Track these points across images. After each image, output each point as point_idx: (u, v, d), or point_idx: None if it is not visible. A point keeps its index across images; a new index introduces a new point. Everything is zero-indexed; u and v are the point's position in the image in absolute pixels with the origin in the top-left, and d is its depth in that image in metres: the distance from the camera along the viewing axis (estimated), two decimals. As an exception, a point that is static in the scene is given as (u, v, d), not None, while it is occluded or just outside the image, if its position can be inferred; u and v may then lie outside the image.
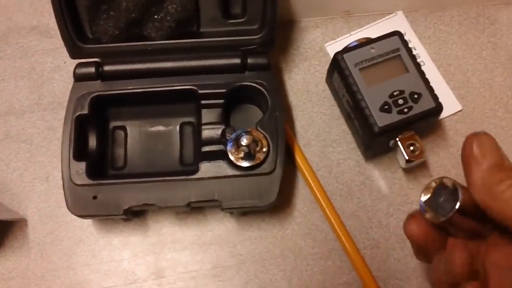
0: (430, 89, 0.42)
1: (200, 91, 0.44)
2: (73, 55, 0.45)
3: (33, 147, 0.48)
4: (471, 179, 0.30)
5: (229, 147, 0.42)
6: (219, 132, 0.44)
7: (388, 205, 0.46)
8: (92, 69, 0.45)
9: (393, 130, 0.42)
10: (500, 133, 0.48)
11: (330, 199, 0.45)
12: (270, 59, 0.45)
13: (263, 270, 0.44)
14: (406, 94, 0.42)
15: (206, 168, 0.42)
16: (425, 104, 0.42)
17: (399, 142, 0.43)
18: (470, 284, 0.31)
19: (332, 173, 0.47)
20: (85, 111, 0.44)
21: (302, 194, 0.46)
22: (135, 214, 0.45)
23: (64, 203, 0.42)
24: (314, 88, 0.50)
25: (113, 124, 0.47)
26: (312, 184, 0.45)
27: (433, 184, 0.32)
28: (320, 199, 0.45)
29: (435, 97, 0.42)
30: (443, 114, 0.45)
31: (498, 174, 0.29)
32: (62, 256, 0.45)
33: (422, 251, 0.35)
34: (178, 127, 0.47)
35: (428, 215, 0.32)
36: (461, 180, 0.32)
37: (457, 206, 0.30)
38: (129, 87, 0.45)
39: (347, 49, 0.44)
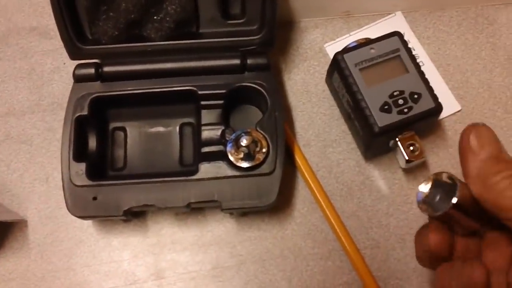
0: (430, 89, 0.43)
1: (199, 92, 0.44)
2: (72, 56, 0.45)
3: (33, 148, 0.48)
4: (467, 169, 0.30)
5: (228, 147, 0.42)
6: (218, 132, 0.44)
7: (388, 205, 0.46)
8: (91, 70, 0.45)
9: (393, 130, 0.42)
10: (499, 133, 0.47)
11: (330, 199, 0.45)
12: (269, 60, 0.45)
13: (263, 271, 0.44)
14: (406, 94, 0.42)
15: (206, 169, 0.42)
16: (425, 104, 0.42)
17: (399, 142, 0.43)
18: None
19: (332, 173, 0.47)
20: (85, 112, 0.44)
21: (302, 194, 0.46)
22: (135, 215, 0.45)
23: (64, 204, 0.42)
24: (314, 88, 0.50)
25: (112, 125, 0.47)
26: (312, 185, 0.45)
27: (432, 178, 0.33)
28: (320, 199, 0.45)
29: (435, 97, 0.42)
30: (443, 114, 0.45)
31: (495, 166, 0.29)
32: (62, 257, 0.45)
33: (434, 260, 0.34)
34: (177, 128, 0.47)
35: (425, 209, 0.32)
36: (461, 178, 0.32)
37: (454, 201, 0.30)
38: (129, 88, 0.45)
39: (347, 50, 0.44)
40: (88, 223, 0.46)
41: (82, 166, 0.42)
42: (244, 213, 0.45)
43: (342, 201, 0.46)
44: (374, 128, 0.42)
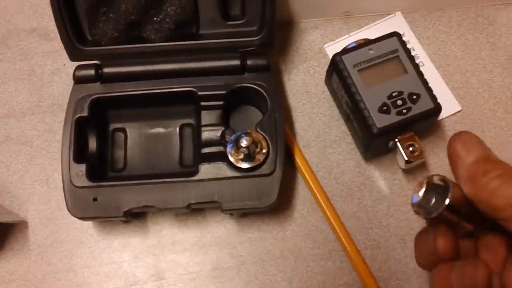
0: (429, 90, 0.43)
1: (199, 93, 0.44)
2: (72, 57, 0.45)
3: (33, 149, 0.49)
4: (458, 174, 0.31)
5: (228, 148, 0.42)
6: (218, 133, 0.44)
7: (388, 206, 0.46)
8: (91, 71, 0.45)
9: (392, 131, 0.42)
10: (499, 133, 0.48)
11: (330, 200, 0.45)
12: (269, 61, 0.45)
13: (263, 271, 0.44)
14: (405, 95, 0.42)
15: (206, 170, 0.42)
16: (424, 104, 0.42)
17: (398, 143, 0.43)
18: None
19: (332, 174, 0.47)
20: (85, 113, 0.44)
21: (302, 195, 0.46)
22: (135, 216, 0.45)
23: (64, 205, 0.42)
24: (314, 89, 0.50)
25: (113, 126, 0.47)
26: (312, 185, 0.45)
27: (425, 181, 0.33)
28: (320, 200, 0.45)
29: (433, 98, 0.42)
30: (442, 115, 0.45)
31: (483, 167, 0.30)
32: (63, 258, 0.45)
33: (438, 263, 0.34)
34: (177, 129, 0.47)
35: (419, 211, 0.33)
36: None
37: (447, 202, 0.31)
38: (129, 89, 0.45)
39: (345, 50, 0.44)
40: (88, 224, 0.46)
41: (82, 167, 0.42)
42: (244, 214, 0.45)
43: (342, 202, 0.46)
44: (373, 129, 0.42)
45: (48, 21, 0.53)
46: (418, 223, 0.44)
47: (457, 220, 0.32)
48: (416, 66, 0.43)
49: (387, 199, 0.46)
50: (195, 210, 0.44)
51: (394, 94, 0.42)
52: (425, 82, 0.43)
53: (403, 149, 0.43)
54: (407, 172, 0.46)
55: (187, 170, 0.45)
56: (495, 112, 0.48)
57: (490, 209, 0.30)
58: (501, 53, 0.50)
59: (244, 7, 0.46)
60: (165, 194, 0.42)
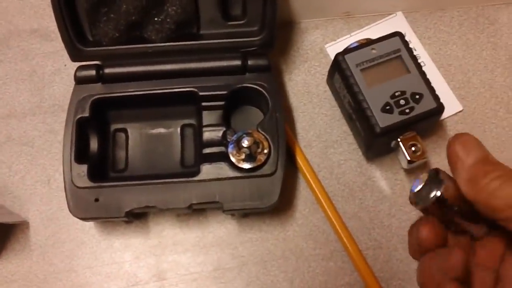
0: (431, 90, 0.42)
1: (200, 93, 0.44)
2: (73, 58, 0.45)
3: (35, 150, 0.49)
4: (458, 176, 0.31)
5: (230, 149, 0.42)
6: (220, 134, 0.44)
7: (390, 206, 0.46)
8: (93, 72, 0.45)
9: (394, 131, 0.42)
10: (501, 133, 0.48)
11: (332, 200, 0.45)
12: (270, 61, 0.45)
13: (264, 272, 0.44)
14: (408, 95, 0.42)
15: (207, 170, 0.42)
16: (427, 104, 0.42)
17: (400, 143, 0.43)
18: (454, 285, 0.31)
19: (333, 174, 0.47)
20: (86, 114, 0.44)
21: (303, 195, 0.46)
22: (137, 217, 0.45)
23: (66, 206, 0.42)
24: (315, 89, 0.50)
25: (114, 126, 0.47)
26: (314, 185, 0.45)
27: (428, 173, 0.33)
28: (322, 200, 0.45)
29: (436, 98, 0.42)
30: (444, 115, 0.45)
31: (483, 168, 0.30)
32: (64, 259, 0.45)
33: (424, 252, 0.35)
34: (179, 129, 0.47)
35: (413, 200, 0.33)
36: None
37: (437, 194, 0.31)
38: (130, 90, 0.45)
39: (348, 50, 0.44)
40: (89, 224, 0.46)
41: (84, 168, 0.42)
42: (246, 214, 0.45)
43: (344, 202, 0.46)
44: (375, 128, 0.42)
45: (49, 22, 0.53)
46: (420, 223, 0.44)
47: (448, 215, 0.32)
48: (419, 66, 0.43)
49: (388, 199, 0.46)
50: (196, 211, 0.44)
51: (396, 94, 0.42)
52: (427, 82, 0.43)
53: (405, 149, 0.43)
54: (409, 172, 0.46)
55: (189, 170, 0.45)
56: (496, 112, 0.48)
57: (489, 210, 0.30)
58: (502, 52, 0.50)
59: (245, 7, 0.46)
60: (166, 194, 0.42)
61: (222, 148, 0.43)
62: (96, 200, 0.42)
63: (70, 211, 0.42)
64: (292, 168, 0.47)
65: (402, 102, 0.42)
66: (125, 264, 0.45)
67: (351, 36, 0.51)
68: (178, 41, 0.45)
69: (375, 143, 0.43)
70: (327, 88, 0.49)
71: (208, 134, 0.44)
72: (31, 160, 0.48)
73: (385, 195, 0.46)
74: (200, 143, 0.44)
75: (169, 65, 0.45)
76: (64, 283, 0.44)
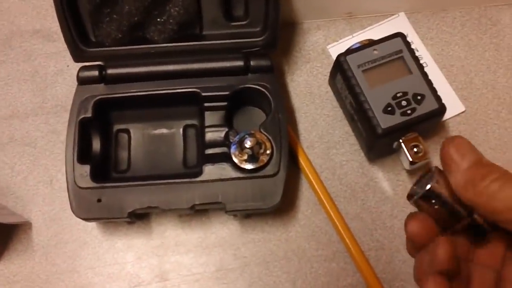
0: (433, 91, 0.42)
1: (203, 94, 0.44)
2: (76, 59, 0.45)
3: (37, 150, 0.49)
4: (454, 180, 0.31)
5: (232, 149, 0.42)
6: (222, 134, 0.44)
7: (392, 207, 0.45)
8: (95, 73, 0.45)
9: (396, 132, 0.42)
10: (503, 134, 0.48)
11: (334, 201, 0.45)
12: (273, 61, 0.45)
13: (267, 273, 0.44)
14: (409, 96, 0.42)
15: (210, 171, 0.42)
16: (429, 105, 0.42)
17: (402, 144, 0.43)
18: (437, 277, 0.31)
19: (335, 175, 0.47)
20: (89, 114, 0.44)
21: (305, 196, 0.46)
22: (139, 217, 0.45)
23: (68, 206, 0.42)
24: (317, 90, 0.50)
25: (116, 127, 0.47)
26: (316, 186, 0.45)
27: (428, 169, 0.34)
28: (324, 201, 0.45)
29: (438, 99, 0.42)
30: (446, 115, 0.45)
31: (480, 171, 0.30)
32: (66, 259, 0.45)
33: (419, 248, 0.35)
34: (181, 129, 0.47)
35: (408, 198, 0.34)
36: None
37: (425, 188, 0.32)
38: (133, 90, 0.45)
39: (350, 51, 0.44)
40: (92, 225, 0.46)
41: (87, 168, 0.42)
42: (248, 215, 0.45)
43: (346, 203, 0.46)
44: (377, 129, 0.42)
45: (51, 23, 0.53)
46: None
47: (435, 212, 0.32)
48: (421, 67, 0.43)
49: (391, 200, 0.46)
50: (198, 211, 0.44)
51: (398, 95, 0.42)
52: (429, 83, 0.43)
53: (407, 150, 0.43)
54: (411, 173, 0.46)
55: (191, 171, 0.45)
56: (499, 113, 0.48)
57: (490, 213, 0.30)
58: (504, 53, 0.50)
59: (248, 8, 0.46)
60: (169, 195, 0.42)
61: (224, 149, 0.43)
62: (99, 200, 0.42)
63: (73, 212, 0.42)
64: (295, 169, 0.47)
65: (404, 103, 0.42)
66: (127, 265, 0.45)
67: (353, 37, 0.51)
68: (181, 42, 0.45)
69: (377, 144, 0.43)
70: (329, 89, 0.49)
71: (211, 135, 0.44)
72: (34, 161, 0.48)
73: (387, 196, 0.46)
74: (203, 144, 0.44)
75: (171, 66, 0.45)
76: (67, 284, 0.44)
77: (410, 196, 0.34)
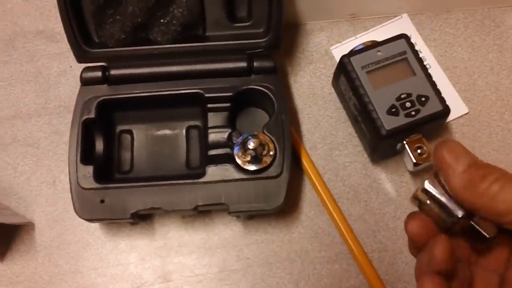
0: (437, 92, 0.42)
1: (206, 95, 0.44)
2: (79, 59, 0.45)
3: (40, 151, 0.49)
4: (451, 184, 0.31)
5: (236, 150, 0.42)
6: (225, 135, 0.44)
7: (395, 208, 0.45)
8: (98, 73, 0.45)
9: (400, 133, 0.42)
10: (507, 135, 0.47)
11: (337, 202, 0.45)
12: (276, 63, 0.45)
13: (270, 274, 0.44)
14: (413, 97, 0.42)
15: (213, 172, 0.42)
16: (433, 107, 0.42)
17: (406, 145, 0.43)
18: (434, 277, 0.31)
19: (338, 176, 0.47)
20: (92, 115, 0.44)
21: (308, 197, 0.46)
22: (142, 218, 0.45)
23: (71, 207, 0.42)
24: (320, 91, 0.50)
25: (119, 128, 0.47)
26: (319, 188, 0.45)
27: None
28: (327, 202, 0.45)
29: (442, 100, 0.42)
30: (450, 117, 0.45)
31: (478, 172, 0.30)
32: (69, 260, 0.45)
33: (420, 248, 0.35)
34: (184, 130, 0.47)
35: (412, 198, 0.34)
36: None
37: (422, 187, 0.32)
38: (136, 91, 0.45)
39: (353, 52, 0.44)
40: (95, 226, 0.46)
41: (90, 169, 0.42)
42: (251, 216, 0.45)
43: (349, 204, 0.46)
44: (381, 131, 0.42)
45: (55, 23, 0.53)
46: (426, 225, 0.44)
47: (433, 211, 0.32)
48: (425, 68, 0.43)
49: (394, 201, 0.46)
50: (201, 212, 0.44)
51: (402, 96, 0.42)
52: (433, 84, 0.43)
53: (411, 152, 0.43)
54: (414, 174, 0.46)
55: (194, 172, 0.45)
56: (502, 115, 0.48)
57: (492, 214, 0.30)
58: (508, 55, 0.50)
59: (251, 9, 0.46)
60: (172, 196, 0.42)
61: (227, 150, 0.43)
62: (102, 201, 0.42)
63: (76, 212, 0.42)
64: (298, 170, 0.47)
65: (408, 104, 0.42)
66: (130, 266, 0.45)
67: (356, 38, 0.51)
68: (184, 43, 0.45)
69: (381, 145, 0.43)
70: (333, 90, 0.49)
71: (214, 136, 0.44)
72: (37, 161, 0.48)
73: (391, 198, 0.46)
74: (206, 145, 0.44)
75: (174, 67, 0.45)
76: (69, 285, 0.44)
77: (412, 198, 0.34)
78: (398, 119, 0.42)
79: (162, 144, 0.47)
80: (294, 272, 0.44)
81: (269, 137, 0.43)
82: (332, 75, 0.48)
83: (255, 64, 0.45)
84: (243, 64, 0.45)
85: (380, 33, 0.51)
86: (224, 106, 0.44)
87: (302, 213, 0.46)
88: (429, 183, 0.32)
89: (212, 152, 0.43)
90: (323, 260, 0.44)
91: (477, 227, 0.31)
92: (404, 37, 0.44)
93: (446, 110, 0.42)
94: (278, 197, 0.41)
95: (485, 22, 0.52)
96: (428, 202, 0.32)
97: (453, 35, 0.51)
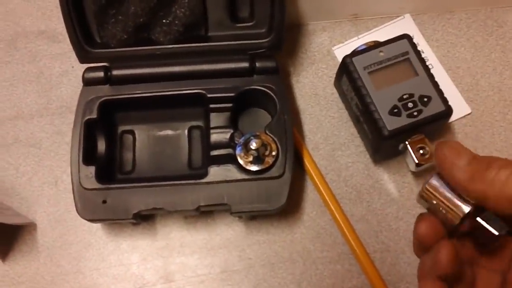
0: (440, 92, 0.42)
1: (208, 95, 0.44)
2: (81, 60, 0.45)
3: (42, 151, 0.49)
4: (457, 178, 0.31)
5: (238, 151, 0.42)
6: (227, 136, 0.44)
7: (397, 209, 0.45)
8: (100, 74, 0.45)
9: (402, 134, 0.42)
10: (509, 136, 0.47)
11: (339, 202, 0.45)
12: (278, 63, 0.45)
13: (272, 274, 0.44)
14: (416, 98, 0.42)
15: (215, 172, 0.42)
16: (435, 107, 0.42)
17: (408, 146, 0.43)
18: (436, 282, 0.31)
19: (341, 177, 0.47)
20: (94, 116, 0.44)
21: (311, 197, 0.46)
22: (144, 218, 0.45)
23: (73, 207, 0.42)
24: (322, 91, 0.50)
25: (121, 128, 0.47)
26: (321, 188, 0.45)
27: None
28: (329, 202, 0.45)
29: (444, 100, 0.42)
30: (452, 117, 0.45)
31: (481, 163, 0.30)
32: (71, 260, 0.45)
33: (425, 250, 0.35)
34: (186, 131, 0.47)
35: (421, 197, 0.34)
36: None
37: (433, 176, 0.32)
38: (138, 91, 0.45)
39: (355, 53, 0.44)
40: (97, 226, 0.46)
41: (92, 169, 0.42)
42: (253, 216, 0.45)
43: (351, 205, 0.46)
44: (383, 131, 0.42)
45: (57, 24, 0.53)
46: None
47: (439, 207, 0.32)
48: (427, 69, 0.43)
49: (396, 202, 0.46)
50: (204, 213, 0.44)
51: (405, 97, 0.42)
52: (436, 85, 0.43)
53: (413, 152, 0.42)
54: (416, 175, 0.46)
55: (196, 172, 0.45)
56: (505, 115, 0.48)
57: (503, 201, 0.29)
58: (511, 55, 0.50)
59: (253, 9, 0.46)
60: (174, 196, 0.42)
61: (229, 150, 0.43)
62: (104, 201, 0.42)
63: (78, 213, 0.42)
64: (300, 170, 0.47)
65: (410, 104, 0.42)
66: (132, 266, 0.45)
67: (358, 38, 0.51)
68: (186, 43, 0.45)
69: (383, 145, 0.43)
70: (335, 90, 0.49)
71: (216, 136, 0.44)
72: (39, 162, 0.48)
73: (393, 198, 0.46)
74: (208, 145, 0.44)
75: (177, 67, 0.45)
76: (72, 285, 0.44)
77: (418, 197, 0.34)
78: (400, 120, 0.42)
79: (164, 144, 0.47)
80: (296, 272, 0.44)
81: (271, 137, 0.43)
82: (334, 76, 0.48)
83: (257, 64, 0.45)
84: (245, 64, 0.45)
85: (382, 33, 0.51)
86: (226, 106, 0.44)
87: (304, 214, 0.46)
88: (435, 179, 0.32)
89: (214, 152, 0.43)
90: (325, 261, 0.44)
91: (484, 224, 0.31)
92: (406, 37, 0.44)
93: (448, 111, 0.42)
94: (280, 197, 0.41)
95: (488, 22, 0.52)
96: (435, 202, 0.32)
97: (455, 35, 0.51)
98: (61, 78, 0.51)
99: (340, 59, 0.46)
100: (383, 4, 0.51)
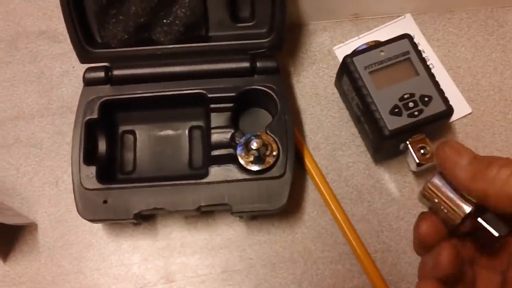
0: (441, 92, 0.42)
1: (209, 95, 0.44)
2: (82, 60, 0.45)
3: (43, 151, 0.49)
4: (459, 177, 0.31)
5: (239, 151, 0.42)
6: (228, 136, 0.44)
7: (398, 209, 0.45)
8: (101, 74, 0.45)
9: (403, 133, 0.42)
10: (510, 135, 0.47)
11: (340, 202, 0.45)
12: (279, 63, 0.45)
13: (272, 274, 0.44)
14: (417, 97, 0.42)
15: (216, 172, 0.42)
16: (436, 107, 0.42)
17: (409, 146, 0.43)
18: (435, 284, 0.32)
19: (341, 177, 0.46)
20: (95, 116, 0.44)
21: (311, 197, 0.46)
22: (145, 218, 0.45)
23: (74, 208, 0.42)
24: (323, 91, 0.50)
25: (122, 128, 0.47)
26: (322, 188, 0.45)
27: None
28: (330, 202, 0.45)
29: (445, 100, 0.42)
30: (453, 117, 0.45)
31: (482, 162, 0.30)
32: (72, 261, 0.45)
33: (427, 249, 0.35)
34: (187, 131, 0.47)
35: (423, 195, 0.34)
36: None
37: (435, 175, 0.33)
38: (138, 92, 0.45)
39: (356, 52, 0.44)
40: (98, 226, 0.46)
41: (92, 169, 0.42)
42: (254, 216, 0.45)
43: (352, 205, 0.46)
44: (384, 131, 0.42)
45: (57, 24, 0.53)
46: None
47: (439, 207, 0.32)
48: (428, 68, 0.43)
49: (397, 202, 0.46)
50: (204, 213, 0.44)
51: (405, 96, 0.42)
52: (436, 84, 0.43)
53: (414, 152, 0.42)
54: (417, 174, 0.46)
55: (197, 172, 0.45)
56: (505, 115, 0.48)
57: (504, 200, 0.29)
58: (511, 55, 0.50)
59: (254, 9, 0.46)
60: (175, 196, 0.42)
61: (230, 150, 0.43)
62: (105, 202, 0.42)
63: (79, 213, 0.42)
64: (301, 170, 0.47)
65: (411, 104, 0.42)
66: (133, 266, 0.45)
67: (359, 38, 0.51)
68: (187, 43, 0.45)
69: (384, 145, 0.43)
70: (335, 90, 0.49)
71: (217, 136, 0.44)
72: (39, 162, 0.48)
73: (394, 198, 0.46)
74: (209, 145, 0.44)
75: (177, 67, 0.45)
76: (72, 285, 0.44)
77: (420, 196, 0.34)
78: (401, 119, 0.42)
79: (165, 144, 0.47)
80: (297, 272, 0.44)
81: (272, 137, 0.43)
82: (335, 75, 0.48)
83: (258, 64, 0.45)
84: (246, 64, 0.45)
85: (383, 33, 0.51)
86: (227, 106, 0.44)
87: (305, 214, 0.46)
88: (437, 178, 0.32)
89: (215, 152, 0.43)
90: (326, 261, 0.44)
91: (485, 225, 0.31)
92: (407, 37, 0.44)
93: (449, 110, 0.42)
94: (281, 197, 0.41)
95: (489, 22, 0.51)
96: (436, 200, 0.32)
97: (456, 35, 0.51)
98: (62, 78, 0.51)
99: (340, 59, 0.46)
100: (383, 4, 0.51)
